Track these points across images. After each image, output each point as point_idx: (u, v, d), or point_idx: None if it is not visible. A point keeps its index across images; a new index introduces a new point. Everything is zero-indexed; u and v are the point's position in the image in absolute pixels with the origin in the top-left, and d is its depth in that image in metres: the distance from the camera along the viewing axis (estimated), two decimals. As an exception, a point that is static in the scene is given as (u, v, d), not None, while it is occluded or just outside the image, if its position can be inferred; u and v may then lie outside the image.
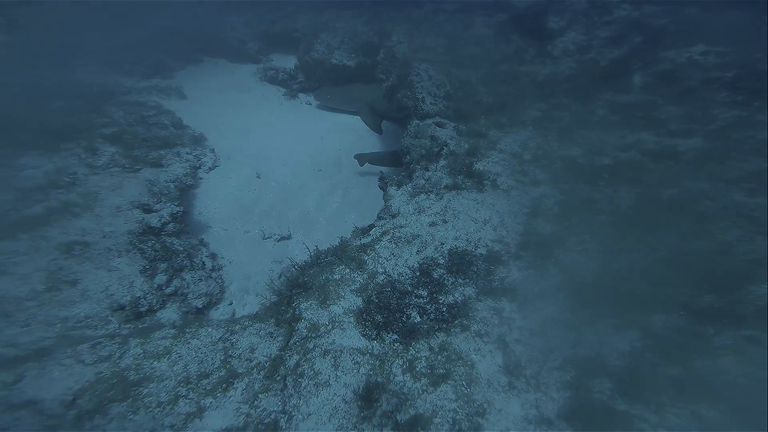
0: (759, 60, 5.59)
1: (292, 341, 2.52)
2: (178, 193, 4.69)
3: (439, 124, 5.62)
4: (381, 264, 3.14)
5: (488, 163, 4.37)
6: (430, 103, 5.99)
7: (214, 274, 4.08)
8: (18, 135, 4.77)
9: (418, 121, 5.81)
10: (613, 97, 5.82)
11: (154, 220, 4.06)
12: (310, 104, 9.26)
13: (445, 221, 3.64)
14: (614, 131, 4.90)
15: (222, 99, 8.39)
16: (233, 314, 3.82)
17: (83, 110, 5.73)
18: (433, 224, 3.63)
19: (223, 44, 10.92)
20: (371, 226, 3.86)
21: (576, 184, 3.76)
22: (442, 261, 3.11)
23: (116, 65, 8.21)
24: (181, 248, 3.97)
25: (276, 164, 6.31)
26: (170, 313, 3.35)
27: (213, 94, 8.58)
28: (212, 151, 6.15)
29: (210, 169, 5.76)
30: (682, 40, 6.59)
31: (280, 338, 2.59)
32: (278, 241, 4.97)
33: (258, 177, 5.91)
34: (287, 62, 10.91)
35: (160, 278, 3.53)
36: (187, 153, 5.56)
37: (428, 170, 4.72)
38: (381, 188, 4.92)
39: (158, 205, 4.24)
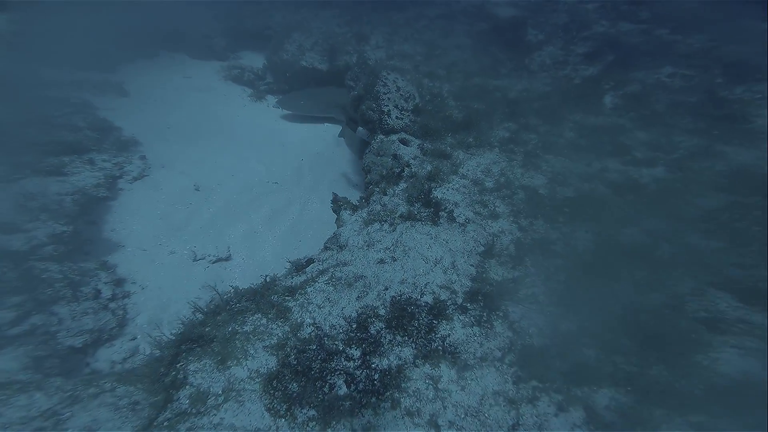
0: (719, 85, 5.65)
1: (160, 419, 1.95)
2: (77, 208, 4.01)
3: (403, 141, 5.28)
4: (311, 313, 2.74)
5: (448, 190, 4.07)
6: (396, 117, 5.63)
7: (113, 305, 3.48)
8: None
9: (382, 137, 5.45)
10: (583, 119, 5.69)
11: (16, 243, 3.36)
12: (278, 108, 8.66)
13: (394, 259, 3.30)
14: (580, 157, 4.74)
15: (172, 98, 7.57)
16: (135, 351, 3.29)
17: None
18: (381, 262, 3.28)
19: (184, 38, 10.04)
20: (310, 261, 3.45)
21: (535, 219, 3.52)
22: (382, 312, 2.75)
23: (42, 54, 7.11)
24: (60, 275, 3.32)
25: (223, 175, 5.70)
26: (6, 362, 2.63)
27: (163, 92, 7.71)
28: (142, 158, 5.45)
29: (135, 179, 5.08)
30: (652, 60, 6.61)
31: (145, 413, 1.99)
32: (213, 263, 4.37)
33: (197, 189, 5.28)
34: (258, 61, 10.21)
35: (4, 315, 2.87)
36: (105, 160, 4.83)
37: (386, 194, 4.37)
38: (334, 211, 4.52)
39: (31, 224, 3.56)
